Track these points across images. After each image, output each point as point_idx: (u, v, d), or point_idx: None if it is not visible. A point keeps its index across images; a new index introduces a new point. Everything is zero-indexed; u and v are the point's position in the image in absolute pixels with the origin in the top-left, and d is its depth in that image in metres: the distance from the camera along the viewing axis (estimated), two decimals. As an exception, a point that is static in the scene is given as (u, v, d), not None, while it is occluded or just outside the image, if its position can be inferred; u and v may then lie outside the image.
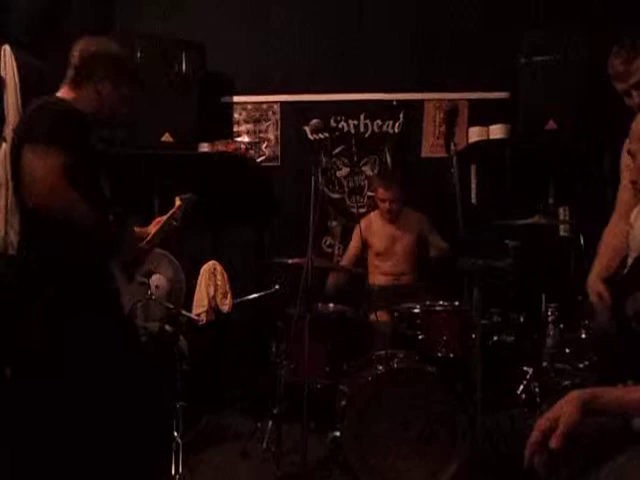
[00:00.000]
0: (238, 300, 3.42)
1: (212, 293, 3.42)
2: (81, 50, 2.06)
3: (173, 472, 2.61)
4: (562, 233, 3.72)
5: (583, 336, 2.70)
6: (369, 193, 4.02)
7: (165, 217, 2.38)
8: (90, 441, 1.90)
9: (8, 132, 2.78)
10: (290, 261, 2.87)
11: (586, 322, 2.68)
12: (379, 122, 3.99)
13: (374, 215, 3.74)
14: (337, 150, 3.98)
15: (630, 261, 2.02)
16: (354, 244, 3.68)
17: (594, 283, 2.20)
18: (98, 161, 2.10)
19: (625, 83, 2.11)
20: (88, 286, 1.97)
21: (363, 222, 3.67)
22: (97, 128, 2.21)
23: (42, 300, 1.93)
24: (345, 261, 3.72)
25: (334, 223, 4.01)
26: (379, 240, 3.64)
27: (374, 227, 3.67)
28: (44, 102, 1.99)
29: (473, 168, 3.90)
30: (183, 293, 3.25)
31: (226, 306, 3.45)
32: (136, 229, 2.37)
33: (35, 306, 1.94)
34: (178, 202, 2.42)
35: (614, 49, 2.13)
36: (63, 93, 2.07)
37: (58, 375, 1.90)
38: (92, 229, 1.93)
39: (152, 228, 2.37)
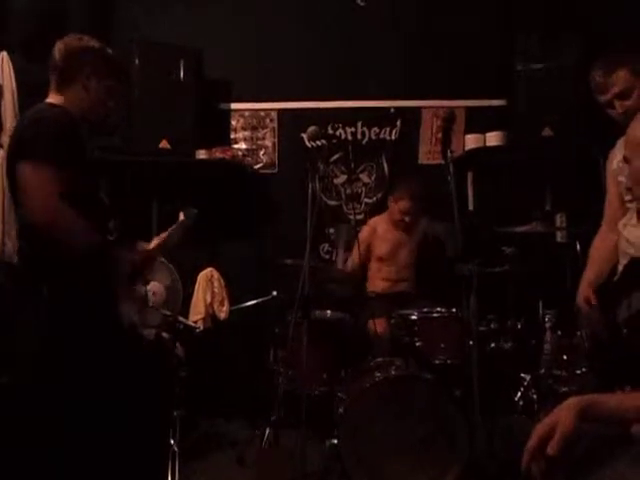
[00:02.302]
0: (235, 307, 3.42)
1: (209, 300, 3.42)
2: (62, 51, 2.03)
3: (170, 480, 2.60)
4: (559, 239, 3.73)
5: (580, 343, 2.71)
6: (367, 200, 4.02)
7: (168, 231, 2.37)
8: (87, 447, 1.89)
9: (5, 139, 2.78)
10: (289, 261, 2.88)
11: (580, 332, 2.68)
12: (376, 129, 4.00)
13: (379, 219, 3.72)
14: (334, 157, 3.99)
15: (620, 269, 2.04)
16: (358, 249, 3.44)
17: (583, 290, 2.24)
18: (96, 170, 2.09)
19: (607, 94, 2.15)
20: (85, 291, 1.96)
21: (367, 227, 3.69)
22: (94, 136, 2.20)
23: (39, 305, 1.92)
24: (349, 266, 3.62)
25: (332, 230, 4.01)
26: (384, 245, 3.62)
27: (379, 231, 3.65)
28: (36, 113, 1.96)
29: (470, 175, 3.91)
30: (180, 300, 3.25)
31: (223, 313, 3.45)
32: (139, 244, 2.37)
33: (33, 311, 1.94)
34: (182, 217, 2.42)
35: (594, 63, 2.18)
36: (52, 99, 2.03)
37: (55, 381, 1.89)
38: (88, 250, 1.91)
39: (155, 242, 2.36)
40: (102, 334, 1.95)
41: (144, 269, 2.23)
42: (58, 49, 2.04)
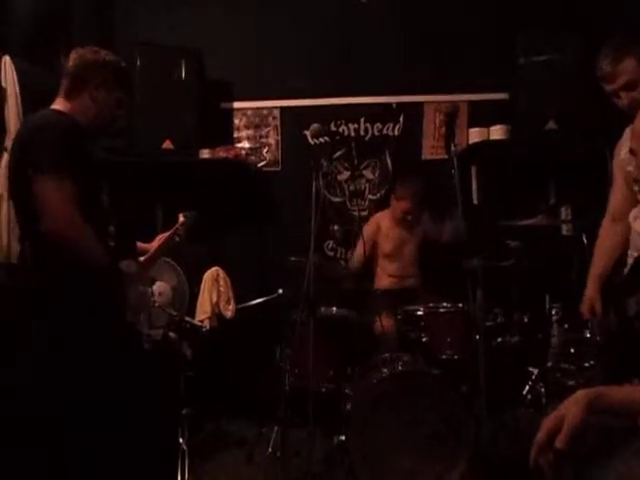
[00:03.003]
0: (241, 306, 3.42)
1: (215, 299, 3.42)
2: (77, 59, 2.06)
3: (179, 479, 2.61)
4: (564, 232, 3.72)
5: (588, 335, 2.69)
6: (370, 196, 4.02)
7: (168, 233, 2.39)
8: (94, 449, 1.90)
9: (9, 143, 2.78)
10: (293, 259, 2.90)
11: (590, 325, 2.67)
12: (379, 125, 3.99)
13: (382, 215, 3.72)
14: (337, 154, 3.98)
15: (630, 261, 2.02)
16: (363, 246, 3.46)
17: (589, 296, 2.23)
18: (99, 174, 2.10)
19: (613, 84, 2.12)
20: (91, 294, 1.96)
21: (371, 223, 3.70)
22: (98, 137, 2.21)
23: (44, 308, 1.93)
24: (355, 261, 3.65)
25: (336, 227, 4.01)
26: (388, 241, 3.63)
27: (382, 228, 3.66)
28: (40, 119, 1.96)
29: (474, 169, 3.89)
30: (186, 300, 3.26)
31: (229, 312, 3.46)
32: (139, 245, 2.37)
33: (38, 314, 1.94)
34: (181, 218, 2.43)
35: (601, 51, 2.15)
36: (58, 104, 2.05)
37: (64, 383, 1.90)
38: (97, 264, 1.92)
39: (155, 244, 2.37)
40: (107, 335, 1.96)
41: (146, 275, 2.25)
42: (72, 58, 2.07)
